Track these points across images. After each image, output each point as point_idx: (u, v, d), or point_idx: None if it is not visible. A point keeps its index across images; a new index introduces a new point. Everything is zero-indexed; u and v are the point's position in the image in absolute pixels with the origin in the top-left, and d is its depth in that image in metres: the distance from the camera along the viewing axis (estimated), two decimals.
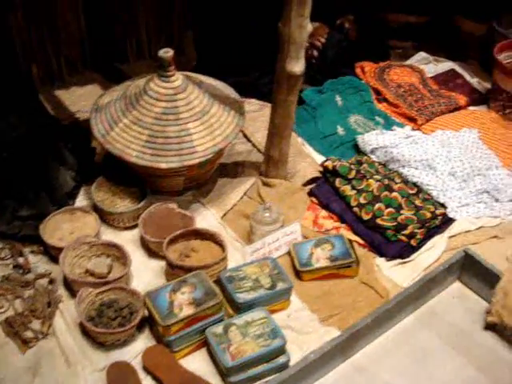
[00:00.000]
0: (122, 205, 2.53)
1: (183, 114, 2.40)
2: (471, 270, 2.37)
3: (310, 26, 2.20)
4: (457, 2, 3.86)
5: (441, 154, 2.76)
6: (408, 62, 3.72)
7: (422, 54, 3.76)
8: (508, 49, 3.31)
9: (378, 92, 3.37)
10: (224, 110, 2.49)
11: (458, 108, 3.29)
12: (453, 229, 2.53)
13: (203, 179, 2.66)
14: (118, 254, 2.30)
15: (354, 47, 3.56)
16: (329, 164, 2.68)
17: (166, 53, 2.35)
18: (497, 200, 2.68)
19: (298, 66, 2.27)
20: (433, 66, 3.71)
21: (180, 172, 2.44)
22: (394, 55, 3.87)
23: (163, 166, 2.33)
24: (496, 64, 3.18)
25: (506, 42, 3.29)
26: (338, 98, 3.24)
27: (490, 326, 2.26)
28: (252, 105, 3.20)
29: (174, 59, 2.39)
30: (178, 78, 2.43)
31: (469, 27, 3.79)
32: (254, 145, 2.93)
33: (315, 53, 3.38)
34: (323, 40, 3.37)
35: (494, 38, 3.52)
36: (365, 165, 2.72)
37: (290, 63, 2.26)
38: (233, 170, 2.82)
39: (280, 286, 2.13)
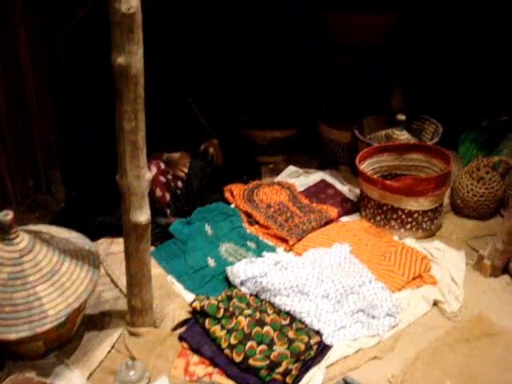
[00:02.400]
0: None
1: (31, 277, 2.34)
2: None
3: (148, 175, 2.22)
4: (319, 111, 4.02)
5: (312, 277, 2.79)
6: (278, 178, 3.81)
7: (292, 168, 3.88)
8: (369, 156, 3.45)
9: (249, 214, 3.40)
10: (76, 265, 2.45)
11: (329, 221, 3.34)
12: (330, 357, 2.53)
13: (67, 337, 2.58)
14: None
15: (220, 171, 3.61)
16: (196, 304, 2.65)
17: (6, 216, 2.31)
18: (373, 317, 2.71)
19: (142, 216, 2.28)
20: (303, 179, 3.81)
21: (35, 338, 2.35)
22: (265, 171, 3.97)
23: (13, 336, 2.25)
24: (359, 173, 3.29)
25: (367, 150, 3.42)
26: (208, 227, 3.26)
27: None
28: (119, 245, 3.16)
29: (14, 221, 2.34)
30: (23, 239, 2.39)
31: (334, 135, 3.95)
32: (121, 290, 2.88)
33: (179, 183, 3.41)
34: (186, 170, 3.41)
35: (357, 145, 3.65)
36: (235, 300, 2.72)
37: (134, 214, 2.26)
38: (100, 320, 2.76)
39: None
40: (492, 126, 3.98)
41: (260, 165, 4.02)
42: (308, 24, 4.17)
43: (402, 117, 3.68)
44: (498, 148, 3.91)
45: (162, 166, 3.33)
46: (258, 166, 3.96)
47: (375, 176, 3.51)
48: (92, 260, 2.54)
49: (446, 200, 3.61)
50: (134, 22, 1.90)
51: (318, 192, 3.66)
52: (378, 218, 3.29)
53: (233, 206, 3.49)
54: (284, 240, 3.20)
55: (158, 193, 3.28)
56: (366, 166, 3.44)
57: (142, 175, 2.19)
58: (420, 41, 4.15)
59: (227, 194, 3.55)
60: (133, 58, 1.95)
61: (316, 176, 3.84)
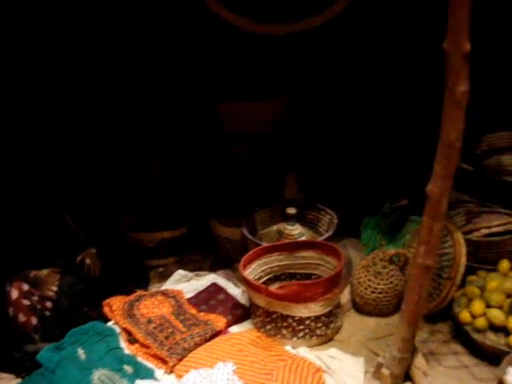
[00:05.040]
0: None
1: None
2: None
3: None
4: (210, 208, 3.83)
5: None
6: (166, 285, 3.57)
7: (181, 272, 3.67)
8: (257, 258, 3.28)
9: (130, 332, 3.14)
10: None
11: (217, 333, 3.10)
12: None
13: None
14: None
15: (99, 283, 3.35)
16: None
17: None
18: None
19: None
20: (194, 283, 3.61)
21: None
22: (154, 276, 3.74)
23: None
24: (244, 280, 3.09)
25: (252, 252, 3.24)
26: (81, 351, 3.00)
27: None
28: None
29: None
30: None
31: (226, 233, 3.76)
32: None
33: (48, 304, 3.15)
34: (55, 288, 3.15)
35: (248, 244, 3.46)
36: None
37: None
38: None
39: None
40: (393, 210, 3.83)
41: (149, 269, 3.76)
42: (196, 115, 4.00)
43: (291, 210, 3.52)
44: (401, 233, 3.77)
45: (26, 287, 3.08)
46: (146, 272, 3.72)
47: (265, 278, 3.35)
48: None
49: (348, 297, 3.40)
50: None
51: (209, 298, 3.44)
52: (268, 326, 3.08)
53: (111, 323, 3.21)
54: (165, 360, 2.93)
55: (22, 318, 3.03)
56: (255, 269, 3.25)
57: None
58: (313, 125, 4.02)
59: (106, 310, 3.30)
60: None
61: (207, 279, 3.63)
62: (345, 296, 3.42)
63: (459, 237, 3.19)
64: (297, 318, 3.02)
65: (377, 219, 3.93)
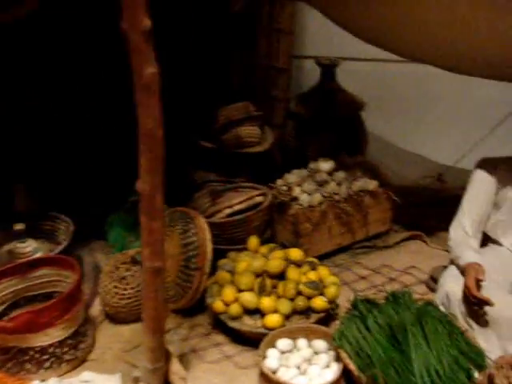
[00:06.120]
0: None
1: None
2: None
3: None
4: None
5: None
6: None
7: None
8: None
9: None
10: None
11: None
12: None
13: None
14: None
15: None
16: None
17: None
18: None
19: None
20: None
21: None
22: None
23: None
24: None
25: None
26: None
27: None
28: None
29: None
30: None
31: None
32: None
33: None
34: None
35: None
36: None
37: None
38: None
39: None
40: (134, 204, 3.59)
41: None
42: None
43: (19, 226, 3.17)
44: None
45: None
46: None
47: (1, 308, 2.95)
48: None
49: (99, 307, 3.13)
50: None
51: None
52: (9, 364, 2.76)
53: None
54: None
55: None
56: None
57: None
58: (35, 131, 3.66)
59: None
60: None
61: None
62: (96, 307, 3.15)
63: (201, 222, 3.06)
64: (38, 349, 2.72)
65: (121, 216, 3.67)
